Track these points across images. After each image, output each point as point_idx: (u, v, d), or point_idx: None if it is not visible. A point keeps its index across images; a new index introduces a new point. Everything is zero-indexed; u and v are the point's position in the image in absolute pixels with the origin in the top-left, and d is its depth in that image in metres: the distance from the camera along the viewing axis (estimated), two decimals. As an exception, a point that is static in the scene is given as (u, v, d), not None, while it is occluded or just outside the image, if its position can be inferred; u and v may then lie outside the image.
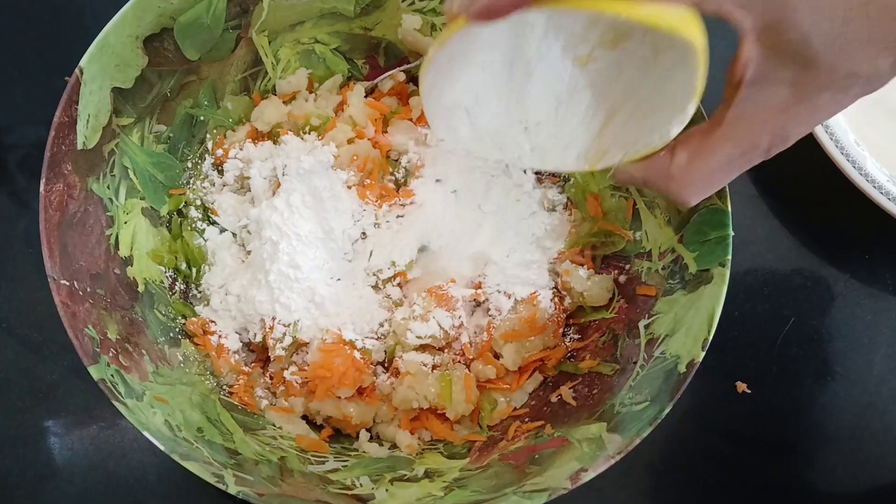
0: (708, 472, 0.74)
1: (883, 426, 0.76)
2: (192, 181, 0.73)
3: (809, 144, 0.79)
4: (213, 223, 0.73)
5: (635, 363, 0.64)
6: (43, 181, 0.58)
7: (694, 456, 0.74)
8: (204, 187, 0.74)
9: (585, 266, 0.73)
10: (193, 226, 0.72)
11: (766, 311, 0.80)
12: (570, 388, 0.68)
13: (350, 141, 0.73)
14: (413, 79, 0.81)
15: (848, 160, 0.78)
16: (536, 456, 0.61)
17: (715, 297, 0.62)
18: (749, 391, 0.76)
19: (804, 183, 0.86)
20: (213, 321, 0.69)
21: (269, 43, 0.75)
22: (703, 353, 0.60)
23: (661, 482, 0.72)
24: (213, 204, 0.73)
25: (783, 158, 0.86)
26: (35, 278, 0.74)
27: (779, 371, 0.77)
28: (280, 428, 0.66)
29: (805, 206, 0.85)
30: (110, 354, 0.56)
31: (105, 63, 0.63)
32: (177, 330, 0.67)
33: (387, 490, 0.59)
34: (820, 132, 0.78)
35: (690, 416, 0.74)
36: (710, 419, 0.75)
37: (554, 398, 0.68)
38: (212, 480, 0.52)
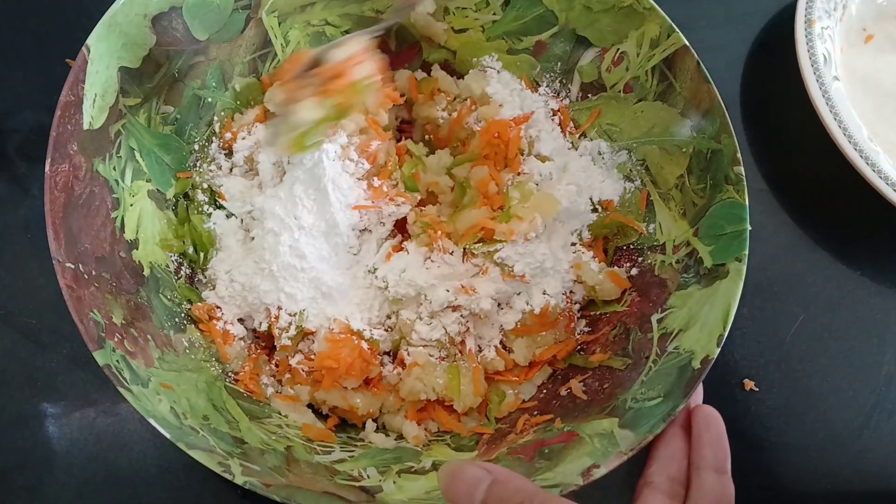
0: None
1: (891, 426, 0.75)
2: (198, 164, 0.72)
3: (822, 139, 0.78)
4: (220, 207, 0.71)
5: (647, 358, 0.63)
6: (48, 161, 0.57)
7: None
8: (210, 170, 0.73)
9: (597, 259, 0.71)
10: (200, 209, 0.70)
11: (774, 309, 0.79)
12: (580, 382, 0.67)
13: (362, 131, 0.72)
14: (425, 65, 0.79)
15: (861, 156, 0.77)
16: (546, 450, 0.60)
17: (731, 293, 0.61)
18: (756, 389, 0.75)
19: (815, 178, 0.85)
20: (218, 307, 0.68)
21: (279, 24, 0.73)
22: (718, 350, 0.59)
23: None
24: (220, 188, 0.71)
25: (794, 152, 0.86)
26: (34, 265, 0.73)
27: (787, 369, 0.77)
28: (286, 416, 0.65)
29: (816, 202, 0.84)
30: (115, 339, 0.55)
31: (112, 42, 0.62)
32: (182, 315, 0.66)
33: (394, 482, 0.58)
34: (833, 127, 0.77)
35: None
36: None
37: (563, 391, 0.67)
38: (218, 470, 0.51)
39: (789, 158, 0.86)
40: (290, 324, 0.66)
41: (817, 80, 0.79)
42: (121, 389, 0.52)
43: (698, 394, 0.58)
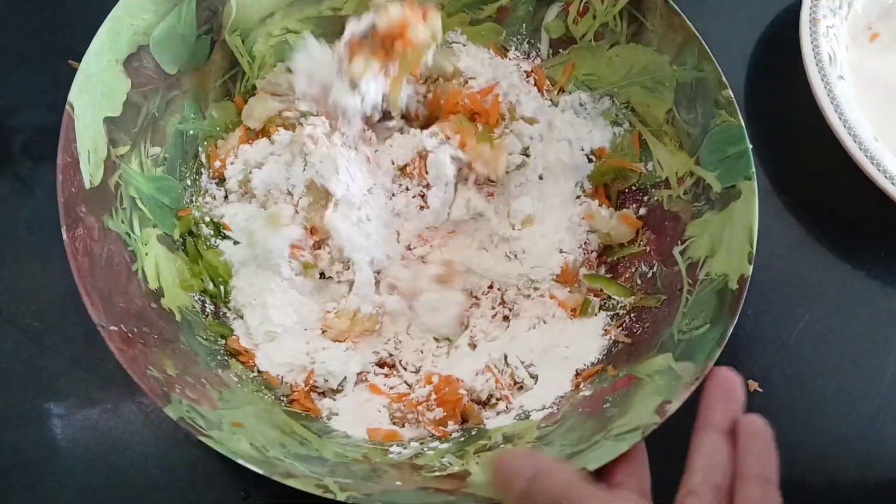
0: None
1: (895, 428, 0.75)
2: (194, 198, 0.71)
3: (827, 139, 0.78)
4: (226, 237, 0.70)
5: (681, 290, 0.66)
6: (64, 229, 0.55)
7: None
8: (207, 202, 0.72)
9: (605, 206, 0.73)
10: (208, 243, 0.69)
11: (779, 310, 0.79)
12: (618, 328, 0.69)
13: None
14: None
15: (867, 155, 0.77)
16: (609, 398, 0.62)
17: (748, 210, 0.63)
18: (761, 390, 0.75)
19: (821, 178, 0.85)
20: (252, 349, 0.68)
21: (243, 42, 0.72)
22: (751, 267, 0.61)
23: (668, 482, 0.68)
24: (222, 218, 0.70)
25: (800, 152, 0.86)
26: (37, 267, 0.71)
27: (791, 370, 0.76)
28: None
29: (821, 203, 0.84)
30: (178, 390, 0.55)
31: (92, 93, 0.60)
32: (222, 352, 0.65)
33: (476, 463, 0.59)
34: (838, 127, 0.77)
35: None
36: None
37: (605, 340, 0.69)
38: (318, 492, 0.51)
39: (795, 158, 0.86)
40: (327, 381, 0.67)
41: (822, 80, 0.79)
42: (202, 438, 0.52)
43: (740, 394, 0.55)
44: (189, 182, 0.70)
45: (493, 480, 0.49)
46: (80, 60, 0.60)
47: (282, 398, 0.65)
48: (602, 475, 0.54)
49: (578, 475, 0.48)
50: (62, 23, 0.81)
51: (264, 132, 0.73)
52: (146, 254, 0.63)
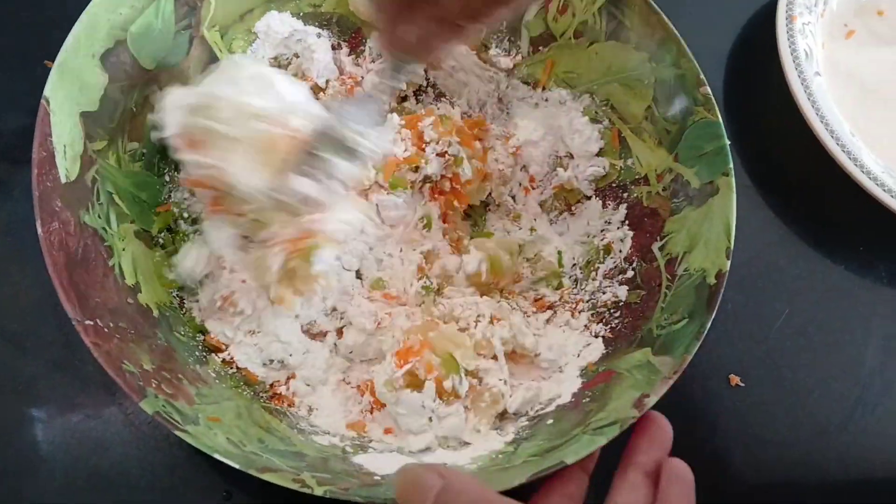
0: (699, 465, 0.60)
1: (874, 419, 0.76)
2: (172, 194, 0.70)
3: (805, 135, 0.79)
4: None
5: (660, 285, 0.66)
6: (39, 223, 0.55)
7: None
8: (185, 198, 0.71)
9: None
10: (186, 238, 0.69)
11: (759, 304, 0.79)
12: (598, 325, 0.69)
13: None
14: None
15: (843, 151, 0.77)
16: (589, 393, 0.62)
17: (726, 206, 0.63)
18: (742, 384, 0.75)
19: (799, 174, 0.86)
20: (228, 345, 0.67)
21: (222, 37, 0.72)
22: (729, 263, 0.61)
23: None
24: (200, 215, 0.70)
25: (778, 148, 0.87)
26: (15, 269, 0.71)
27: (772, 364, 0.77)
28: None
29: (800, 197, 0.85)
30: (154, 385, 0.54)
31: (68, 88, 0.60)
32: (200, 348, 0.65)
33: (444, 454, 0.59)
34: (815, 123, 0.78)
35: (682, 409, 0.68)
36: (702, 412, 0.74)
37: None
38: (295, 487, 0.51)
39: (773, 154, 0.87)
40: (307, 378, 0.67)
41: (799, 76, 0.80)
42: (177, 433, 0.51)
43: (667, 439, 0.56)
44: (167, 178, 0.70)
45: (401, 494, 0.48)
46: (57, 61, 0.60)
47: (261, 395, 0.65)
48: (538, 495, 0.54)
49: (489, 491, 0.47)
50: (39, 25, 0.80)
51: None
52: (123, 249, 0.63)
